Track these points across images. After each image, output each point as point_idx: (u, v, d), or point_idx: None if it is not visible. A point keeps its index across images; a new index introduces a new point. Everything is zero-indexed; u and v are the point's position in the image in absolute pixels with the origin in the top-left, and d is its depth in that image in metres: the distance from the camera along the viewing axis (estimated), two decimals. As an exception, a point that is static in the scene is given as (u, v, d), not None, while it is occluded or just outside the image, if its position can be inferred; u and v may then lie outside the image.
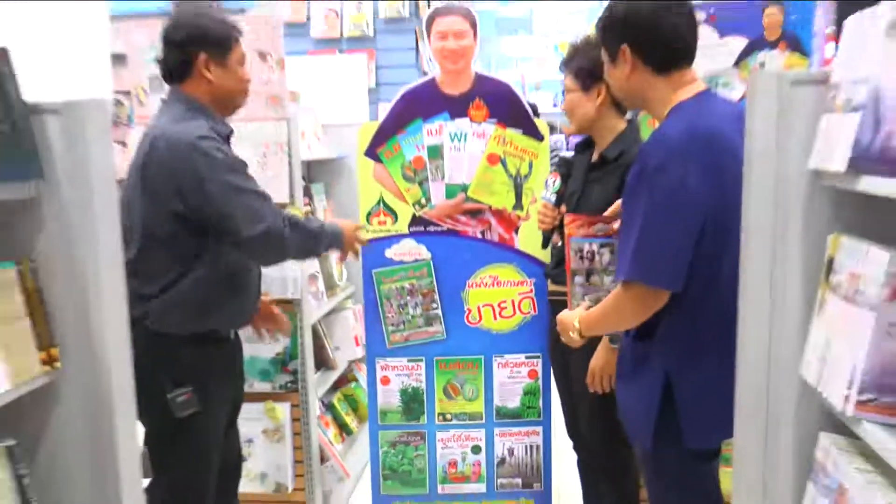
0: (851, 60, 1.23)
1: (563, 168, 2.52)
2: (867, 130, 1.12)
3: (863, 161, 1.13)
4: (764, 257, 1.39)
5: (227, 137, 2.24)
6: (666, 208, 1.68)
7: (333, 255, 3.69)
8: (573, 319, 1.96)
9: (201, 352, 2.18)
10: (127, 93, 2.99)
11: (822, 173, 1.30)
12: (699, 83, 1.83)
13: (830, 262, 1.29)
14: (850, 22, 1.28)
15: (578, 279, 2.18)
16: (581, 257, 2.18)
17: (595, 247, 2.17)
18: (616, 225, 2.10)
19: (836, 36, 2.84)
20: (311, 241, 2.28)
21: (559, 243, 2.69)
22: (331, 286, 3.68)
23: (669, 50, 1.78)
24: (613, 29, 1.82)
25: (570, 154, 2.70)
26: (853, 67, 1.22)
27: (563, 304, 2.27)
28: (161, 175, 2.06)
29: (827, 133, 1.27)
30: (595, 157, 2.47)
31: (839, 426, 1.27)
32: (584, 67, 2.39)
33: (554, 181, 2.51)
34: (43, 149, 1.46)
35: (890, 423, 1.12)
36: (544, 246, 2.62)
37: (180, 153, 2.05)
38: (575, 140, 2.87)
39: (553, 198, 2.50)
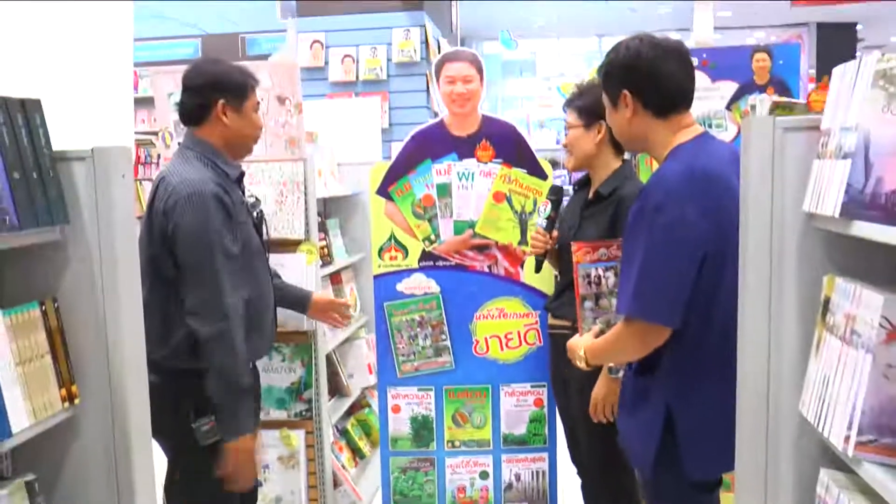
0: (840, 108, 1.21)
1: (554, 195, 2.52)
2: (858, 177, 1.10)
3: (854, 207, 1.10)
4: (761, 296, 1.35)
5: (238, 179, 2.22)
6: (665, 247, 1.65)
7: (348, 287, 3.68)
8: (580, 347, 1.93)
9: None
10: (156, 133, 2.99)
11: (816, 216, 1.26)
12: (697, 126, 1.82)
13: (826, 302, 1.25)
14: (838, 71, 1.26)
15: (588, 304, 2.16)
16: (589, 282, 2.16)
17: (601, 271, 2.16)
18: (615, 249, 2.11)
19: (817, 77, 2.85)
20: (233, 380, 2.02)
21: (558, 277, 2.67)
22: (345, 317, 3.65)
23: (668, 95, 1.77)
24: (615, 75, 1.80)
25: (570, 188, 2.70)
26: (842, 115, 1.19)
27: (563, 337, 2.23)
28: (160, 218, 2.03)
29: (819, 178, 1.24)
30: (591, 193, 2.47)
31: (839, 462, 1.22)
32: (586, 106, 2.40)
33: (546, 207, 2.51)
34: (69, 194, 1.45)
35: (890, 463, 1.07)
36: (537, 270, 2.59)
37: (180, 201, 2.00)
38: (577, 177, 2.86)
39: (544, 223, 2.48)
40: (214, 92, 2.14)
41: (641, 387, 1.82)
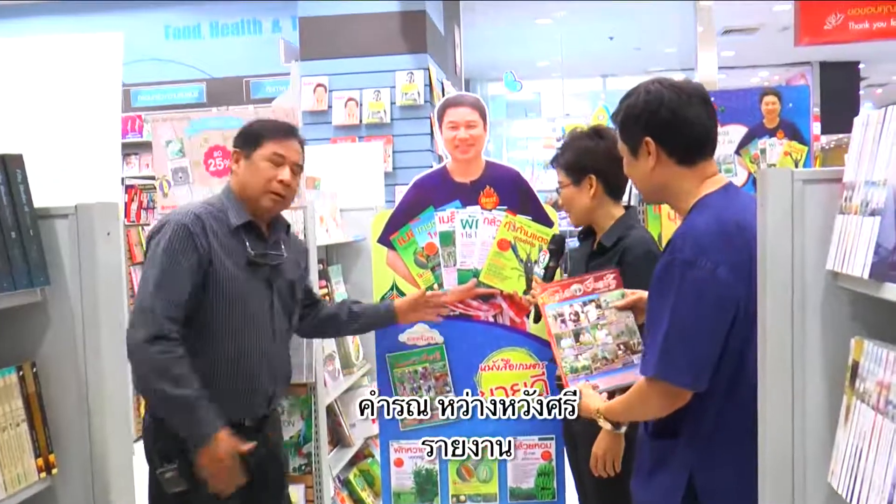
0: (865, 161, 1.14)
1: (555, 245, 2.46)
2: (888, 236, 1.02)
3: (885, 268, 1.02)
4: (782, 359, 1.27)
5: (245, 227, 2.16)
6: (696, 306, 1.56)
7: (349, 337, 3.60)
8: (595, 408, 1.88)
9: None
10: (153, 178, 2.95)
11: (841, 275, 1.19)
12: (722, 176, 1.73)
13: (855, 366, 1.16)
14: (861, 120, 1.19)
15: (566, 342, 2.09)
16: (563, 321, 2.10)
17: (577, 307, 2.10)
18: (591, 282, 2.08)
19: (820, 116, 2.84)
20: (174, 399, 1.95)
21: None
22: (347, 365, 3.58)
23: (694, 141, 1.68)
24: (635, 121, 1.69)
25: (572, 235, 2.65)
26: (867, 168, 1.12)
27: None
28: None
29: (844, 235, 1.16)
30: (595, 244, 2.41)
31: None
32: (570, 162, 2.36)
33: (545, 257, 2.45)
34: (50, 253, 1.39)
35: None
36: (535, 320, 2.52)
37: (153, 230, 2.10)
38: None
39: (542, 273, 2.43)
40: (234, 142, 2.23)
41: (661, 450, 1.72)
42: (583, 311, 2.09)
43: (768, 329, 1.29)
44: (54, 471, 1.38)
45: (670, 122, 1.65)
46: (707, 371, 1.58)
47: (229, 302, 2.09)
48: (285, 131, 2.21)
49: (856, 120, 1.20)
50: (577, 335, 2.09)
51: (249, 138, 2.18)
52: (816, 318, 1.24)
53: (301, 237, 2.83)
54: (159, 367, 1.93)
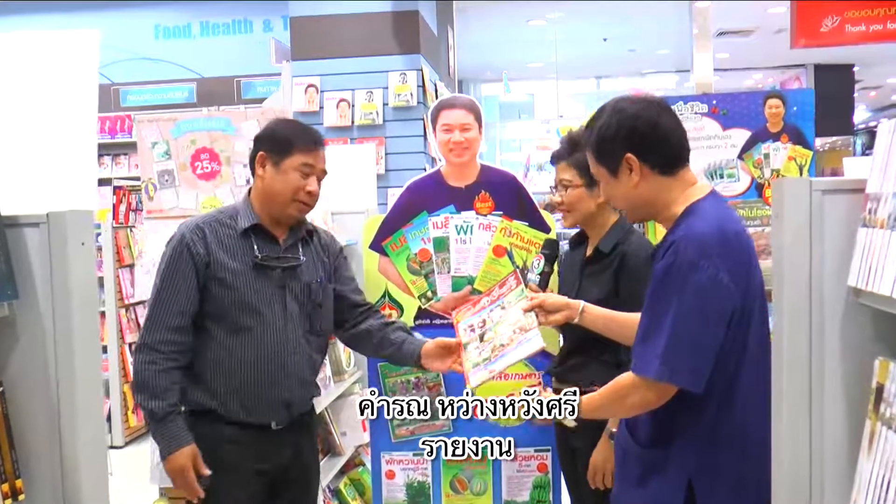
0: (892, 171, 1.06)
1: (549, 249, 2.35)
2: (921, 252, 0.95)
3: (918, 286, 0.95)
4: (800, 381, 1.19)
5: (254, 230, 2.16)
6: (699, 309, 1.57)
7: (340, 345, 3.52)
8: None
9: (205, 429, 2.11)
10: (137, 178, 2.87)
11: (864, 293, 1.11)
12: (705, 183, 1.77)
13: (879, 390, 1.09)
14: (886, 128, 1.11)
15: (472, 346, 2.14)
16: (472, 329, 2.18)
17: (485, 315, 2.17)
18: (496, 290, 2.18)
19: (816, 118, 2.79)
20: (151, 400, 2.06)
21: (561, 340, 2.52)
22: (338, 372, 3.52)
23: (673, 148, 1.70)
24: (612, 141, 1.69)
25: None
26: (894, 179, 1.05)
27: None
28: None
29: (868, 250, 1.08)
30: (590, 251, 2.34)
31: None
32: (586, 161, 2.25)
33: (539, 262, 2.36)
34: (19, 264, 1.30)
35: None
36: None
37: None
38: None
39: (537, 279, 2.33)
40: (259, 143, 2.18)
41: (654, 459, 1.70)
42: (489, 317, 2.16)
43: (784, 348, 1.22)
44: (21, 497, 1.29)
45: (648, 134, 1.67)
46: (706, 373, 1.58)
47: (234, 302, 2.12)
48: (315, 140, 2.20)
49: (880, 127, 1.13)
50: (481, 337, 2.15)
51: (278, 144, 2.14)
52: (836, 337, 1.17)
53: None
54: (141, 378, 2.06)
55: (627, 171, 1.69)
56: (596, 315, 2.05)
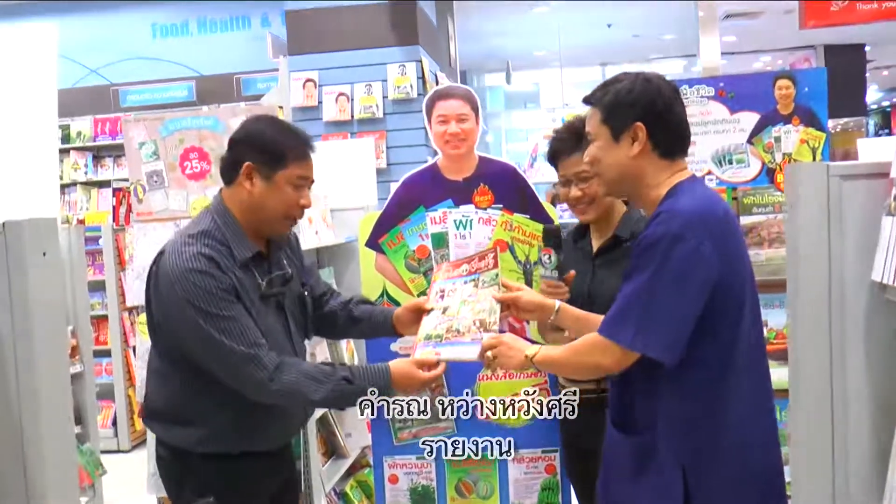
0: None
1: (554, 237, 2.18)
2: (955, 243, 0.84)
3: (952, 282, 0.85)
4: (820, 383, 1.09)
5: (252, 260, 1.94)
6: (679, 281, 1.56)
7: (345, 340, 3.44)
8: (523, 355, 1.86)
9: (221, 466, 1.95)
10: (126, 180, 2.80)
11: (890, 288, 1.01)
12: (688, 169, 1.75)
13: (907, 396, 0.99)
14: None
15: (434, 313, 2.10)
16: (442, 296, 2.14)
17: (459, 284, 2.13)
18: (476, 262, 2.15)
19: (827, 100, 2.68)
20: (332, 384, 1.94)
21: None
22: (340, 373, 3.43)
23: (679, 136, 1.71)
24: (629, 106, 1.67)
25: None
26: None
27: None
28: (148, 296, 1.90)
29: (893, 241, 0.98)
30: (599, 242, 2.26)
31: None
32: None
33: (549, 257, 2.21)
34: (-25, 277, 1.21)
35: None
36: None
37: (166, 283, 1.84)
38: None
39: (555, 274, 2.17)
40: (245, 150, 1.91)
41: (643, 444, 1.66)
42: (462, 290, 2.11)
43: (800, 347, 1.12)
44: (-15, 527, 1.21)
45: (664, 112, 1.67)
46: (681, 346, 1.56)
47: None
48: (309, 146, 1.98)
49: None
50: (445, 308, 2.10)
51: (271, 155, 1.90)
52: (859, 337, 1.07)
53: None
54: (292, 392, 1.90)
55: (630, 139, 1.67)
56: (571, 316, 2.01)
